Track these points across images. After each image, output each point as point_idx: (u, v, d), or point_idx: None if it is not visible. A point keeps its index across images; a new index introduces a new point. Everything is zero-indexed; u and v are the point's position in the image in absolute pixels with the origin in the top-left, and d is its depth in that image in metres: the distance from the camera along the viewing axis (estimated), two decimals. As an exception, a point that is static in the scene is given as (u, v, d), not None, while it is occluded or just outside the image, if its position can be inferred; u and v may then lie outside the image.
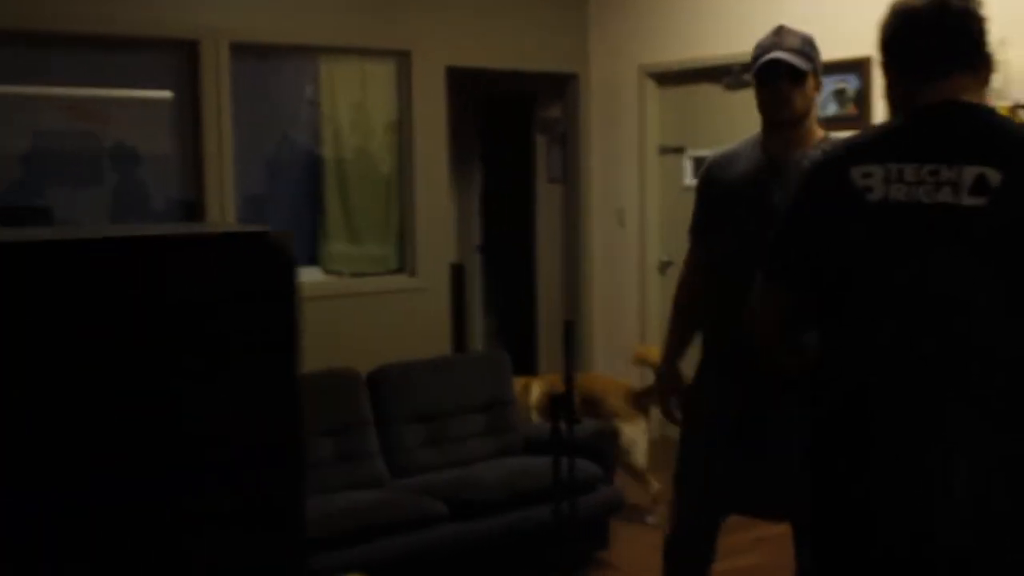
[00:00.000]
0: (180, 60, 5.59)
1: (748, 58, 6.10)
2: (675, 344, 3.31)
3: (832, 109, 5.71)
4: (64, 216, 5.34)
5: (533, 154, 7.54)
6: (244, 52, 5.72)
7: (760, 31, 6.01)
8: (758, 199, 3.00)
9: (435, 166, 6.37)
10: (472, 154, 8.07)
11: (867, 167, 2.00)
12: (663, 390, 3.32)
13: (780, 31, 3.06)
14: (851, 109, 5.63)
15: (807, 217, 2.10)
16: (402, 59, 6.24)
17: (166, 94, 5.65)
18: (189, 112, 5.60)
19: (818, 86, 3.07)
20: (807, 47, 3.02)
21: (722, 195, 3.17)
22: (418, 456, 4.78)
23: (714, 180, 3.21)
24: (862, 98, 5.56)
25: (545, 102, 7.41)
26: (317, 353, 5.79)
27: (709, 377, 3.20)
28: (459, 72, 6.66)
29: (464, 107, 8.01)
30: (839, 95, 5.69)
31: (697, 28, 6.25)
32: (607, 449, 4.84)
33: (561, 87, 7.09)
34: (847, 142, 2.15)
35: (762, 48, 3.05)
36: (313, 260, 6.12)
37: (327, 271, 6.14)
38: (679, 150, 6.60)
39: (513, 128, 7.72)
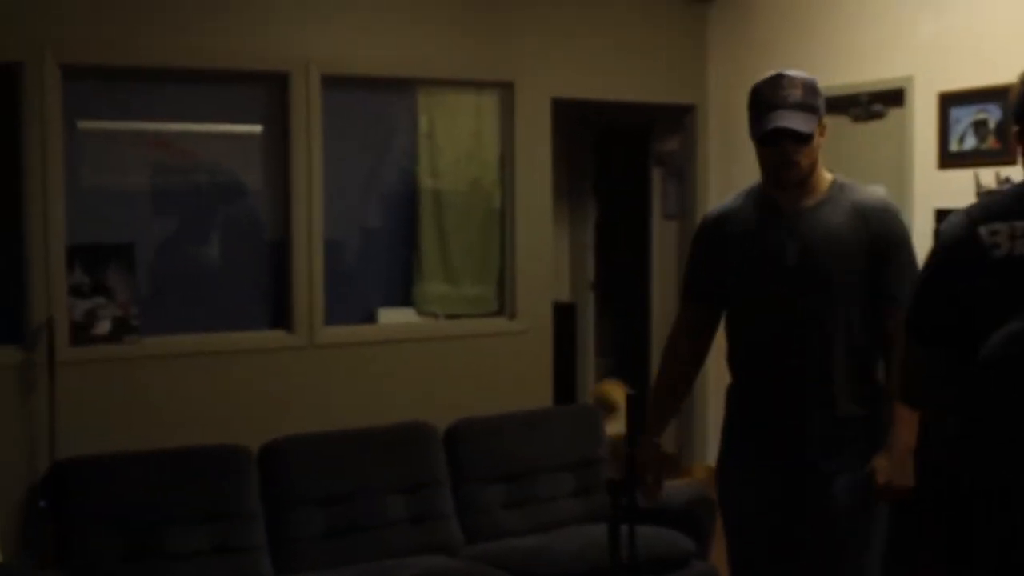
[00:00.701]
0: (270, 93, 5.41)
1: (878, 87, 5.58)
2: (659, 417, 3.05)
3: (971, 142, 5.15)
4: (150, 253, 5.21)
5: (649, 188, 7.13)
6: (337, 84, 5.51)
7: (891, 57, 5.49)
8: (771, 254, 2.79)
9: (539, 202, 6.03)
10: (586, 187, 7.72)
11: (994, 225, 2.12)
12: (642, 466, 2.97)
13: (779, 81, 2.75)
14: (992, 143, 5.05)
15: (943, 279, 2.22)
16: (505, 90, 5.94)
17: (256, 128, 5.47)
18: (279, 146, 5.41)
19: (823, 131, 2.81)
20: (810, 96, 2.74)
21: (727, 253, 2.91)
22: (497, 519, 4.44)
23: (715, 238, 2.96)
24: (1004, 130, 4.98)
25: (662, 134, 7.01)
26: (406, 401, 5.57)
27: (738, 463, 2.93)
28: (569, 104, 6.33)
29: (579, 139, 7.69)
30: (979, 127, 5.12)
31: (823, 55, 5.76)
32: (704, 519, 4.38)
33: (679, 118, 6.68)
34: (980, 203, 2.29)
35: (760, 103, 2.75)
36: (407, 300, 5.85)
37: (420, 312, 5.85)
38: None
39: (629, 160, 7.33)
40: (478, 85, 5.91)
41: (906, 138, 5.37)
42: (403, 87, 5.78)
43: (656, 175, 7.05)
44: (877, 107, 5.56)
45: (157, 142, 5.26)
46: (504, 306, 6.00)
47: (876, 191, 2.91)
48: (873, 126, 5.63)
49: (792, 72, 2.78)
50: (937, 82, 5.23)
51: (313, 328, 5.43)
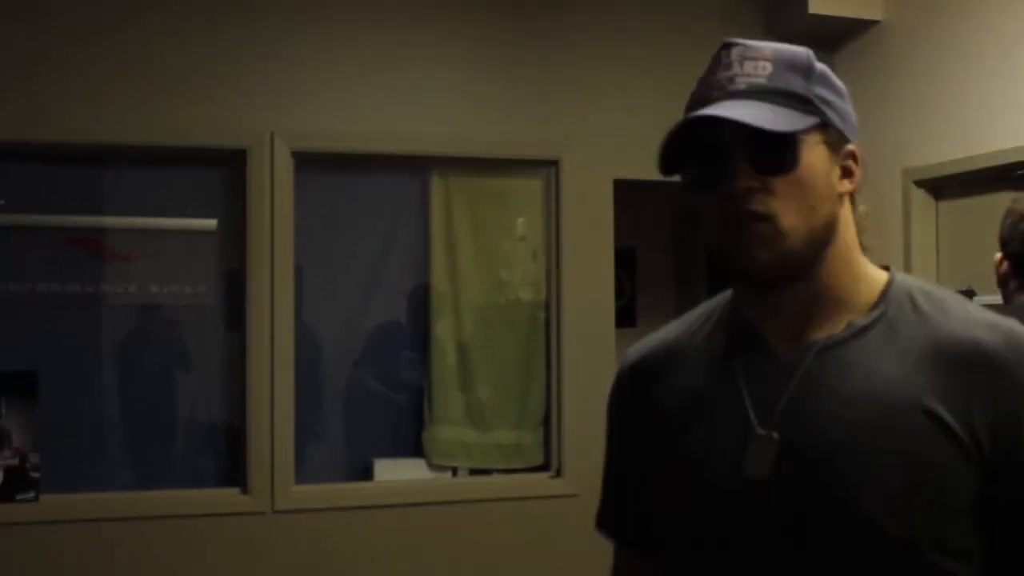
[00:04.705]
0: (227, 178, 4.16)
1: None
2: None
3: None
4: (59, 384, 3.97)
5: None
6: (316, 163, 4.22)
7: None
8: (722, 452, 1.26)
9: (598, 316, 4.49)
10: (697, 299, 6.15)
11: None
12: None
13: (725, 55, 1.23)
14: None
15: None
16: (548, 170, 4.50)
17: (209, 223, 4.21)
18: (236, 245, 4.13)
19: (849, 165, 1.24)
20: (789, 75, 1.20)
21: (667, 432, 1.37)
22: None
23: (644, 403, 1.43)
24: None
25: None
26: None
27: None
28: (648, 187, 4.84)
29: (688, 239, 6.22)
30: None
31: (988, 114, 4.11)
32: None
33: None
34: None
35: (688, 107, 1.26)
36: (415, 449, 4.38)
37: (433, 465, 4.37)
38: (968, 294, 4.36)
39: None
40: (512, 164, 4.50)
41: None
42: (411, 168, 4.42)
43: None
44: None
45: (76, 240, 4.06)
46: (549, 458, 4.46)
47: (983, 310, 1.25)
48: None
49: (756, 41, 1.24)
50: None
51: (276, 487, 4.05)
